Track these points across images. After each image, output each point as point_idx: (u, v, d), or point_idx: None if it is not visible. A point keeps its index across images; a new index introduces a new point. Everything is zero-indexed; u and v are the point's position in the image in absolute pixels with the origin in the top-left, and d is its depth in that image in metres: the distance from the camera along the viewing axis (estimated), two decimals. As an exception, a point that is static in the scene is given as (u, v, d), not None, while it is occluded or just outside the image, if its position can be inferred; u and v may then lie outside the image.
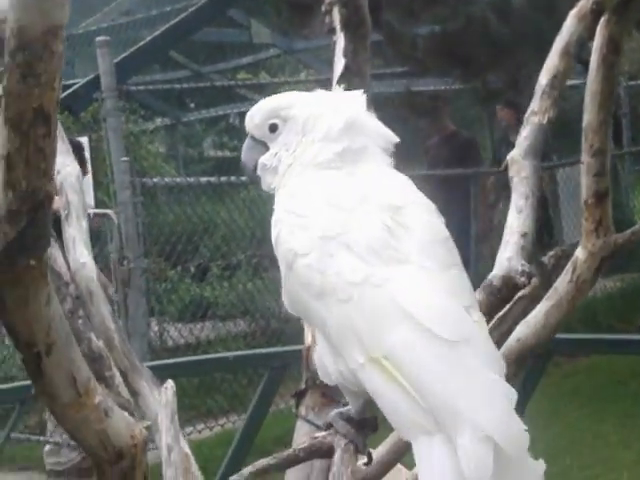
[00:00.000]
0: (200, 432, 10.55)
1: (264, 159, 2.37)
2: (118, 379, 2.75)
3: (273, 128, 2.37)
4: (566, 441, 9.26)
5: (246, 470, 2.29)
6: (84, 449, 1.96)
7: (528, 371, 2.97)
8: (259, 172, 2.39)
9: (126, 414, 2.01)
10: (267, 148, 2.38)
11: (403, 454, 2.56)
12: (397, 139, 2.37)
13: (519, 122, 10.88)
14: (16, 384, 9.65)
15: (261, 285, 13.32)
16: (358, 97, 2.39)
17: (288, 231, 2.16)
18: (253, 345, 11.99)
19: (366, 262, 2.03)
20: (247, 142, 2.44)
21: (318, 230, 2.09)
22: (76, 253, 2.83)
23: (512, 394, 1.97)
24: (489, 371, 1.96)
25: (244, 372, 10.95)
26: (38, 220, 1.59)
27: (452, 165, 13.59)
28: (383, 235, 2.07)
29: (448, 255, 2.14)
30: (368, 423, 2.37)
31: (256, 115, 2.41)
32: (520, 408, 3.57)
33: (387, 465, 2.59)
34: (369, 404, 2.23)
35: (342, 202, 2.15)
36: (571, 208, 13.57)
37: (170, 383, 2.84)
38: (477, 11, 11.31)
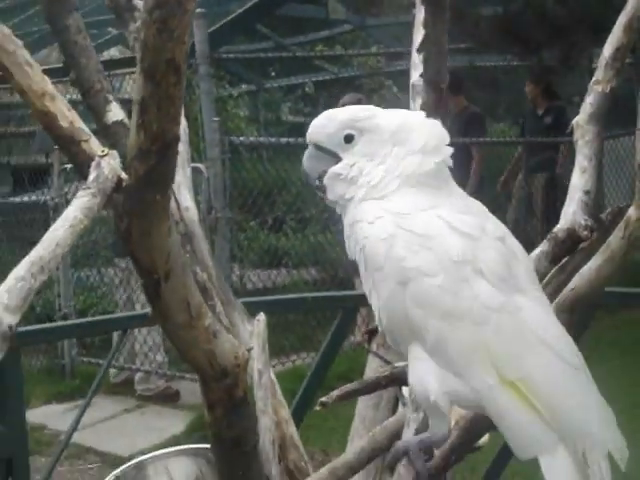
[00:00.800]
0: (274, 367, 10.56)
1: (337, 169, 2.24)
2: (219, 308, 2.77)
3: (349, 139, 2.24)
4: (605, 386, 9.19)
5: (334, 393, 2.31)
6: (193, 367, 1.98)
7: (577, 320, 2.95)
8: (326, 181, 2.26)
9: (231, 337, 2.03)
10: (337, 158, 2.25)
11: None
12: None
13: (543, 96, 10.76)
14: (117, 315, 9.76)
15: (330, 238, 13.26)
16: (435, 122, 2.30)
17: (406, 248, 2.07)
18: (322, 291, 12.00)
19: (499, 289, 2.01)
20: (310, 151, 2.31)
21: (449, 253, 2.04)
22: (181, 197, 2.84)
23: (612, 415, 2.03)
24: (598, 394, 2.04)
25: (315, 315, 11.00)
26: (165, 159, 1.61)
27: (457, 136, 13.48)
28: (505, 263, 2.06)
29: (537, 278, 2.17)
30: (445, 464, 2.32)
31: (329, 125, 2.27)
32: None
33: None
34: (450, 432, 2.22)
35: (463, 228, 2.08)
36: (614, 178, 13.49)
37: (262, 316, 2.86)
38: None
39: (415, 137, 2.21)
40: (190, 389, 10.66)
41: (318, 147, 2.29)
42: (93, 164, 1.70)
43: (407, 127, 2.22)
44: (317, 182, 2.29)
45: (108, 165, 1.67)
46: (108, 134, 2.51)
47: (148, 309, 7.44)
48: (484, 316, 1.98)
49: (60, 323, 9.66)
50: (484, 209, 2.25)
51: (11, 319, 1.50)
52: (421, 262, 2.03)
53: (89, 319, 10.00)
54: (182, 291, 1.81)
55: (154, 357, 10.97)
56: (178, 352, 1.96)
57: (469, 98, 13.79)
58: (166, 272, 1.76)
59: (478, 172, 13.53)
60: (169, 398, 10.98)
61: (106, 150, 1.76)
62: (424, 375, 2.06)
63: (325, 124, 2.28)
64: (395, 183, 2.17)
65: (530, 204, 13.79)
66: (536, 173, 13.31)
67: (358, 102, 12.00)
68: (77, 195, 1.68)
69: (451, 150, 2.25)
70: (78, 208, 1.65)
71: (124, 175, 1.67)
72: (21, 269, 1.56)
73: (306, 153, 2.32)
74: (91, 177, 1.68)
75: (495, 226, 2.19)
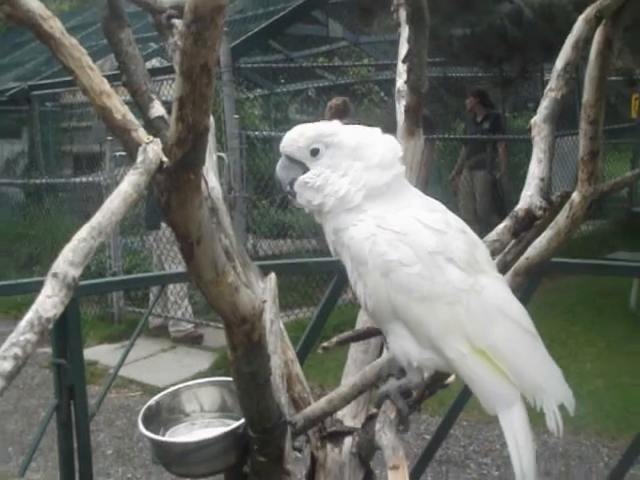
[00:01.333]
0: (281, 318, 10.59)
1: (305, 177, 2.20)
2: (239, 268, 2.77)
3: (315, 152, 2.20)
4: (546, 338, 9.20)
5: (333, 339, 2.31)
6: (219, 315, 1.98)
7: (527, 284, 2.98)
8: (296, 188, 2.22)
9: (249, 291, 2.03)
10: (305, 168, 2.22)
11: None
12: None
13: (481, 106, 10.87)
14: (156, 273, 9.84)
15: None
16: (390, 138, 2.29)
17: (387, 244, 2.05)
18: (320, 257, 12.09)
19: (467, 273, 2.01)
20: (283, 161, 2.28)
21: (424, 246, 2.03)
22: (208, 179, 2.84)
23: (560, 372, 2.06)
24: (548, 354, 2.08)
25: (314, 277, 11.04)
26: (198, 146, 1.61)
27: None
28: (470, 251, 2.06)
29: (492, 261, 2.17)
30: (420, 398, 2.37)
31: (299, 140, 2.23)
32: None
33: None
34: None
35: (433, 224, 2.08)
36: (560, 169, 13.55)
37: (273, 275, 2.87)
38: (496, 19, 11.30)
39: (373, 153, 2.18)
40: (211, 334, 10.90)
41: (289, 158, 2.26)
42: (140, 149, 1.70)
43: (366, 143, 2.19)
44: (288, 188, 2.25)
45: (152, 150, 1.68)
46: (151, 126, 2.53)
47: (181, 269, 7.52)
48: (456, 297, 1.99)
49: (110, 279, 9.73)
50: (442, 206, 2.24)
51: (74, 272, 1.51)
52: (400, 255, 2.03)
53: (134, 276, 10.12)
54: (210, 253, 1.81)
55: (184, 307, 11.10)
56: (208, 303, 1.95)
57: (443, 103, 13.85)
58: (198, 237, 1.76)
59: (427, 167, 13.59)
60: (195, 340, 11.11)
61: (151, 138, 1.76)
62: (405, 348, 2.07)
63: (295, 139, 2.25)
64: (360, 195, 2.15)
65: (474, 197, 13.82)
66: (476, 170, 13.27)
67: (343, 103, 12.07)
68: (128, 174, 1.68)
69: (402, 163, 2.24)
70: (129, 184, 1.65)
71: (165, 158, 1.66)
72: (83, 232, 1.56)
73: (279, 163, 2.30)
74: (139, 160, 1.68)
75: (456, 220, 2.18)
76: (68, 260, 1.52)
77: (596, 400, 8.24)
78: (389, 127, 2.46)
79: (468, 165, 13.33)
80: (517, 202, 2.66)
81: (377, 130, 2.29)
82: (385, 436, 2.04)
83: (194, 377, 7.72)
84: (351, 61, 18.42)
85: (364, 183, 2.14)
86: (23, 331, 1.42)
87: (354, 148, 2.18)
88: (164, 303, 10.89)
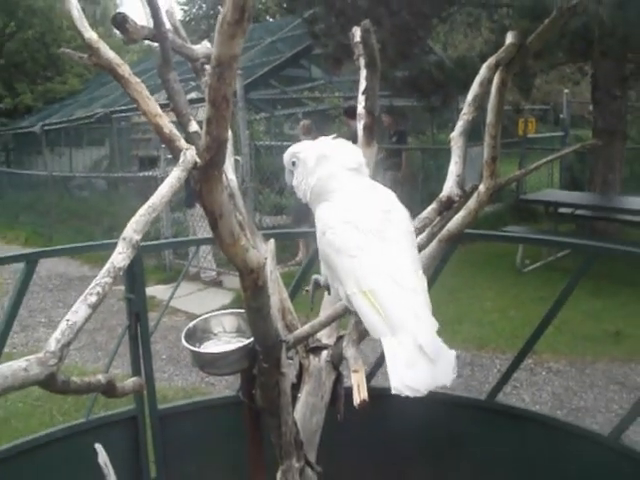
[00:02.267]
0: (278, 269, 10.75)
1: (292, 181, 2.22)
2: (249, 235, 2.75)
3: (294, 164, 2.20)
4: (459, 285, 9.30)
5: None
6: (235, 266, 1.94)
7: (448, 248, 2.97)
8: (293, 186, 2.24)
9: (256, 251, 2.00)
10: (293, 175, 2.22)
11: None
12: (363, 159, 2.19)
13: (393, 124, 10.91)
14: (193, 237, 9.85)
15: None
16: (330, 140, 2.22)
17: (326, 217, 2.02)
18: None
19: (366, 237, 1.92)
20: (286, 170, 2.26)
21: (342, 218, 1.98)
22: (227, 173, 2.82)
23: (435, 324, 1.86)
24: (426, 308, 1.87)
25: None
26: (220, 151, 1.57)
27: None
28: (377, 224, 1.96)
29: (410, 241, 2.02)
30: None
31: (286, 157, 2.23)
32: (436, 275, 3.53)
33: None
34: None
35: (355, 205, 2.03)
36: (469, 170, 13.44)
37: (272, 240, 2.84)
38: (426, 65, 11.32)
39: (321, 164, 2.12)
40: (229, 280, 10.81)
41: (287, 168, 2.25)
42: (182, 153, 1.68)
43: (323, 157, 2.13)
44: (290, 187, 2.25)
45: (190, 154, 1.66)
46: (190, 138, 2.50)
47: (207, 235, 7.48)
48: (354, 252, 1.91)
49: (164, 241, 9.73)
50: (386, 192, 2.14)
51: (138, 237, 1.54)
52: (330, 222, 1.99)
53: (179, 239, 10.09)
54: (229, 225, 1.79)
55: (209, 260, 11.25)
56: (227, 258, 1.92)
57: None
58: (220, 214, 1.73)
59: (406, 165, 13.54)
60: (217, 284, 11.12)
61: (189, 146, 1.74)
62: (335, 286, 2.03)
63: (285, 156, 2.24)
64: (308, 193, 2.14)
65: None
66: (388, 171, 13.13)
67: (309, 123, 12.30)
68: (173, 170, 1.68)
69: (339, 157, 2.15)
70: (174, 177, 1.64)
71: (198, 160, 1.64)
72: (143, 209, 1.57)
73: (285, 170, 2.28)
74: (180, 160, 1.67)
75: (386, 202, 2.08)
76: (133, 228, 1.55)
77: (493, 327, 8.33)
78: (352, 139, 2.43)
79: (383, 167, 13.17)
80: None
81: (338, 141, 2.22)
82: (349, 350, 2.04)
83: (219, 308, 7.70)
84: (327, 94, 18.38)
85: (311, 185, 2.12)
86: (103, 276, 1.47)
87: (304, 161, 2.16)
88: (198, 258, 10.88)
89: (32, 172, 20.33)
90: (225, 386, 6.82)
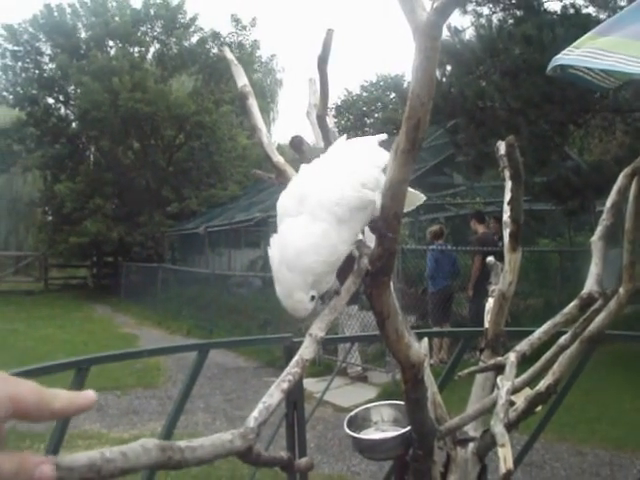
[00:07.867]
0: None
1: None
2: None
3: None
4: (594, 384, 8.79)
5: (465, 371, 2.32)
6: (398, 361, 2.00)
7: (588, 348, 2.91)
8: None
9: (416, 345, 2.08)
10: None
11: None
12: None
13: (478, 225, 11.78)
14: (352, 335, 9.97)
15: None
16: None
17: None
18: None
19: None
20: None
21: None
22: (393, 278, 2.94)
23: None
24: None
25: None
26: (390, 261, 1.72)
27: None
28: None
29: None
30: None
31: None
32: (576, 375, 3.32)
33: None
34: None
35: None
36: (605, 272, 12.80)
37: (425, 338, 2.91)
38: (563, 171, 11.21)
39: None
40: (374, 375, 10.79)
41: None
42: (356, 262, 1.76)
43: None
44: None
45: (363, 264, 1.77)
46: (358, 248, 2.62)
47: (356, 333, 7.53)
48: None
49: (335, 336, 9.85)
50: None
51: (322, 334, 1.63)
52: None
53: (337, 336, 10.09)
54: (394, 324, 1.89)
55: (355, 356, 11.16)
56: (392, 354, 2.01)
57: (529, 226, 13.44)
58: (387, 314, 1.85)
59: None
60: (363, 379, 11.08)
61: (362, 255, 1.85)
62: None
63: None
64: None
65: None
66: None
67: (439, 229, 11.81)
68: (348, 278, 1.77)
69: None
70: (350, 282, 1.77)
71: (370, 268, 1.74)
72: (327, 309, 1.72)
73: None
74: (355, 268, 1.79)
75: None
76: (318, 326, 1.66)
77: (632, 427, 7.72)
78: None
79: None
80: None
81: None
82: (497, 427, 2.08)
83: (365, 402, 7.73)
84: (468, 199, 18.34)
85: None
86: (292, 366, 1.53)
87: None
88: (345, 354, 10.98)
89: (195, 270, 21.12)
90: (370, 475, 6.78)
